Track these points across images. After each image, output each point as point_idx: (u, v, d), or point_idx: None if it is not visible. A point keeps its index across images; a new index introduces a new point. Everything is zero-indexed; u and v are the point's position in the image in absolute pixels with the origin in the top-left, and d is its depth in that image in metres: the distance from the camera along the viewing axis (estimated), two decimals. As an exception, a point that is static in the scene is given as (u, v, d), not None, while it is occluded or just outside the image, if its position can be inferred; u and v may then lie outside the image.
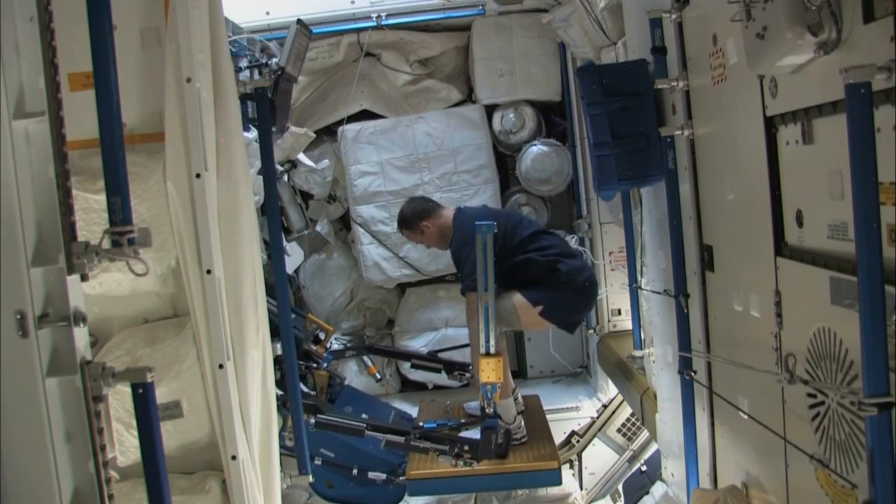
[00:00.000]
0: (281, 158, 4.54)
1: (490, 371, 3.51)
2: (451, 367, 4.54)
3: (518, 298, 3.78)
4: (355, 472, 4.05)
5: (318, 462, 4.02)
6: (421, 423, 4.24)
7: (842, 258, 1.83)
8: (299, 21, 4.39)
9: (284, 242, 4.78)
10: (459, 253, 3.77)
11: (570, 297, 3.86)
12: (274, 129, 4.27)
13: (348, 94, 5.34)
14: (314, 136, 5.12)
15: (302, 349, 4.09)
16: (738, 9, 1.94)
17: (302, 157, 5.04)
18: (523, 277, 3.80)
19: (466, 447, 3.68)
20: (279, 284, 3.43)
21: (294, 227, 4.90)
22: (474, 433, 3.95)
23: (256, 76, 3.87)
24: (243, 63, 3.88)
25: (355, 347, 4.96)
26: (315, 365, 4.17)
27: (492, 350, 3.51)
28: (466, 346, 4.01)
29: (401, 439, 3.78)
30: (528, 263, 3.79)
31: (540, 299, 3.78)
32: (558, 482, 3.90)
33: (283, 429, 3.60)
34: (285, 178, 4.86)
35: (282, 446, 3.52)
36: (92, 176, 2.43)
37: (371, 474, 4.07)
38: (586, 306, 4.15)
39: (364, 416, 4.30)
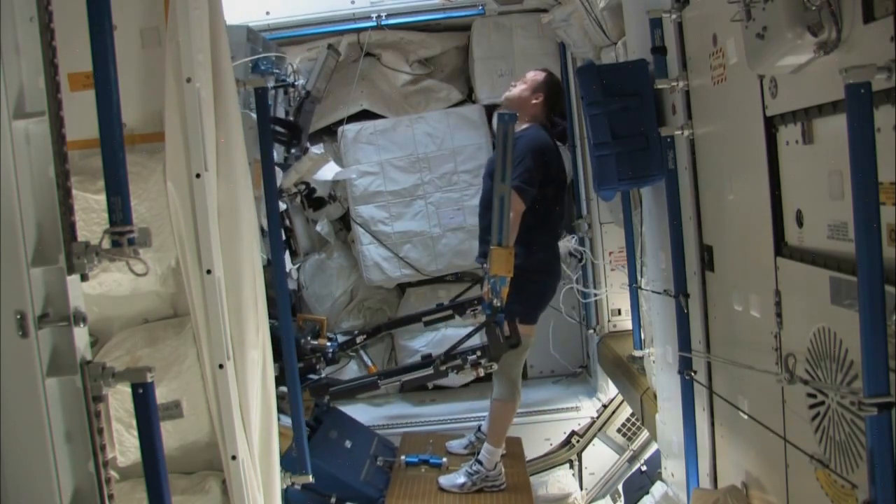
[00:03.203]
0: (296, 180, 4.52)
1: (501, 263, 3.44)
2: (462, 309, 4.48)
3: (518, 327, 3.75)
4: (333, 500, 4.03)
5: (297, 486, 4.02)
6: (403, 456, 4.25)
7: (842, 258, 1.83)
8: (330, 45, 4.39)
9: (289, 265, 4.77)
10: (524, 152, 3.73)
11: (537, 294, 3.90)
12: (294, 150, 4.27)
13: (348, 94, 5.34)
14: (331, 159, 5.12)
15: (306, 347, 4.09)
16: (738, 9, 1.94)
17: (330, 171, 4.94)
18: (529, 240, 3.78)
19: (479, 353, 3.62)
20: (280, 294, 3.43)
21: (301, 249, 4.89)
22: (456, 476, 3.98)
23: (281, 96, 3.86)
24: (270, 82, 3.86)
25: (364, 331, 4.89)
26: (321, 354, 4.16)
27: (504, 242, 3.45)
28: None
29: (419, 374, 3.75)
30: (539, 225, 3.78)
31: (522, 314, 3.77)
32: None
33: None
34: (298, 199, 4.82)
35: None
36: (92, 176, 2.43)
37: None
38: (548, 299, 4.14)
39: (348, 442, 4.30)
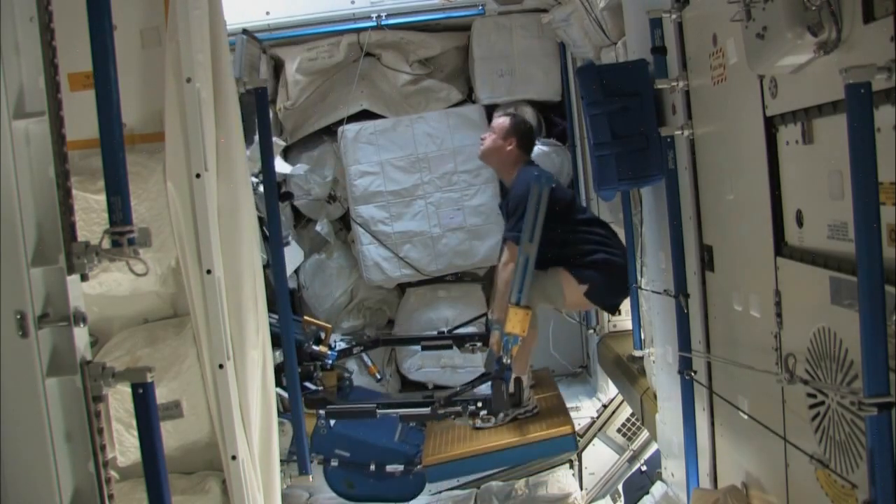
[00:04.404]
0: (254, 169, 4.54)
1: (516, 322, 3.47)
2: (461, 341, 4.50)
3: (566, 275, 3.78)
4: (373, 467, 4.06)
5: (334, 464, 4.03)
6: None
7: (842, 258, 1.82)
8: (245, 31, 4.39)
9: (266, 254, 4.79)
10: (520, 199, 3.72)
11: (614, 280, 3.89)
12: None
13: (348, 94, 5.34)
14: (284, 143, 5.10)
15: (307, 352, 4.11)
16: (738, 9, 1.94)
17: (282, 165, 5.00)
18: (566, 253, 3.80)
19: (480, 404, 3.63)
20: (280, 293, 3.43)
21: None
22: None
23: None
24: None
25: (362, 343, 4.93)
26: (320, 363, 4.18)
27: (523, 301, 3.47)
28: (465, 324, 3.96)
29: (418, 411, 3.76)
30: (578, 242, 3.80)
31: (587, 278, 3.78)
32: (574, 447, 3.89)
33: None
34: (261, 189, 4.84)
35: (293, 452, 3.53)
36: (92, 176, 2.43)
37: (389, 468, 4.08)
38: (625, 290, 4.16)
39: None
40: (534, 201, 3.47)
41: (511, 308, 3.50)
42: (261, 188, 4.73)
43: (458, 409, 3.67)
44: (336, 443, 4.03)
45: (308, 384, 4.07)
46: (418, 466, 4.01)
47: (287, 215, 5.38)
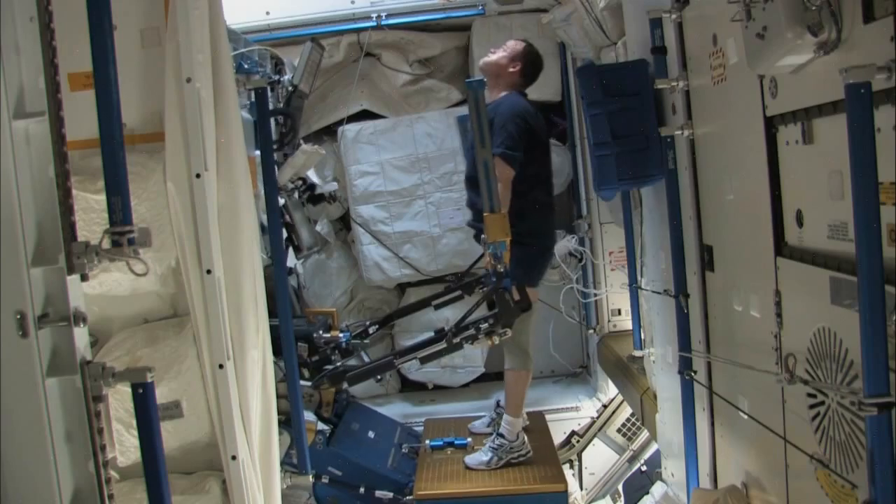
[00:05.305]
0: (291, 176, 4.53)
1: (495, 228, 3.39)
2: (470, 288, 4.46)
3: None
4: (362, 490, 4.05)
5: (325, 480, 4.03)
6: (427, 441, 4.26)
7: (842, 258, 1.83)
8: (313, 39, 4.38)
9: (295, 261, 4.79)
10: (504, 118, 3.75)
11: (536, 262, 3.96)
12: (286, 146, 4.29)
13: (348, 94, 5.34)
14: (324, 153, 5.10)
15: (319, 341, 4.10)
16: (738, 9, 1.94)
17: (311, 174, 5.02)
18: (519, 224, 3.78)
19: (490, 321, 3.55)
20: (280, 293, 3.43)
21: (304, 245, 4.89)
22: (481, 454, 3.98)
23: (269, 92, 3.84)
24: (255, 79, 3.86)
25: (376, 321, 4.88)
26: (334, 344, 4.17)
27: (496, 207, 3.41)
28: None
29: (434, 348, 3.68)
30: (528, 210, 3.83)
31: (521, 277, 3.77)
32: None
33: (290, 447, 3.61)
34: (296, 195, 4.83)
35: (288, 463, 3.53)
36: (92, 176, 2.43)
37: (378, 493, 4.05)
38: (546, 262, 4.24)
39: (370, 433, 4.31)
40: (472, 105, 3.39)
41: (487, 216, 3.40)
42: (295, 195, 4.76)
43: (472, 331, 3.59)
44: (330, 460, 4.02)
45: (327, 367, 4.08)
46: (408, 497, 4.00)
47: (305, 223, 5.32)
